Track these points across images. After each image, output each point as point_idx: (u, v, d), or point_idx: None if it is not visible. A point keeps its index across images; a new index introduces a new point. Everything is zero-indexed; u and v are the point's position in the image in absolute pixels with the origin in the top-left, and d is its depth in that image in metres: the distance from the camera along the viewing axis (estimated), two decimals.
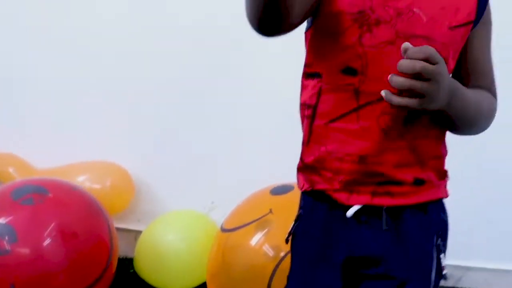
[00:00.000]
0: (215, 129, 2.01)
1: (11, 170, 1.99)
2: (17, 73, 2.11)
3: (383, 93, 0.71)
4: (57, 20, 2.05)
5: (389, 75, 0.70)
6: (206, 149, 2.02)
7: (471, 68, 0.87)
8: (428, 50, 0.69)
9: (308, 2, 0.77)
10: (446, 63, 0.75)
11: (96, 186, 1.93)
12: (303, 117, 0.88)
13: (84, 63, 2.03)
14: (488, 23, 0.87)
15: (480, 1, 0.83)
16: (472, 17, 0.82)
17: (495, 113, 0.90)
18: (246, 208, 1.64)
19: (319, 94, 0.84)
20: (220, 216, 1.76)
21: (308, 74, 0.87)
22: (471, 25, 0.83)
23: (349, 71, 0.80)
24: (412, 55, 0.69)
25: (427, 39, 0.78)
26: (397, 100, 0.71)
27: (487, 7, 0.85)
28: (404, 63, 0.69)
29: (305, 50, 0.88)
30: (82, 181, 1.91)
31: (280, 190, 1.60)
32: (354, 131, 0.82)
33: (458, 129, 0.87)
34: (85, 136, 2.08)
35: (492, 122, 0.90)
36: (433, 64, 0.69)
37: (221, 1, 1.87)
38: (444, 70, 0.71)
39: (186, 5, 1.95)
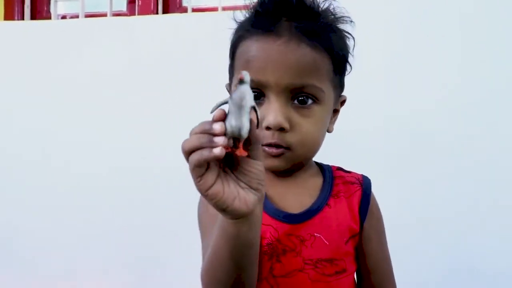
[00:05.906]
0: None
1: None
2: None
3: None
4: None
5: None
6: None
7: (370, 267, 0.90)
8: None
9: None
10: (345, 272, 0.84)
11: None
12: None
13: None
14: (376, 224, 0.91)
15: (361, 209, 0.88)
16: (357, 230, 0.87)
17: None
18: None
19: None
20: None
21: None
22: (357, 236, 0.87)
23: None
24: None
25: (331, 261, 0.83)
26: None
27: (369, 210, 0.89)
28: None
29: None
30: None
31: None
32: None
33: None
34: None
35: None
36: None
37: None
38: None
39: None
